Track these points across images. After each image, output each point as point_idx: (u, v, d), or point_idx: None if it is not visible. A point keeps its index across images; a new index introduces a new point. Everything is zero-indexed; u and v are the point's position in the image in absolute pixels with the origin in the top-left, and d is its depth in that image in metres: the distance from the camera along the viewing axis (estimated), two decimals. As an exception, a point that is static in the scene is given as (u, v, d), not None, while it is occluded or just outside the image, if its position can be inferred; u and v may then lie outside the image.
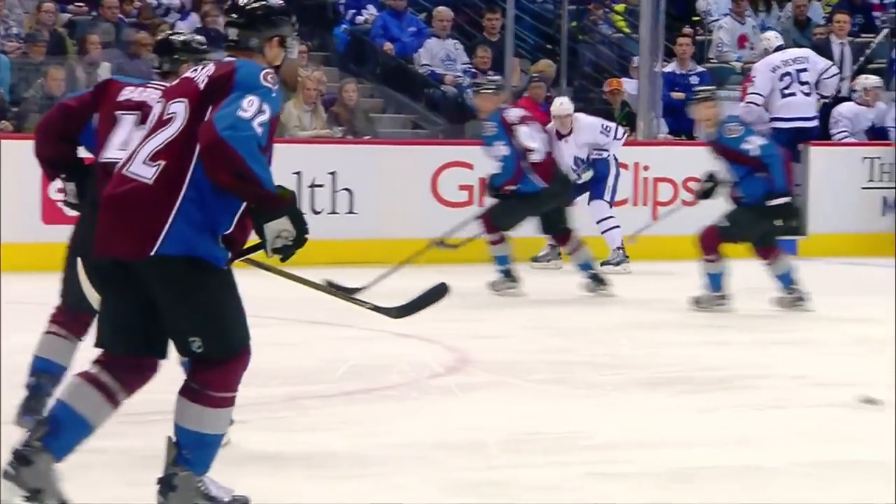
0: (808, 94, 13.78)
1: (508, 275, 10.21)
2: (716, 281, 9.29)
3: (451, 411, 6.29)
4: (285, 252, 4.18)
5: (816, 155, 13.76)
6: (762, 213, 9.21)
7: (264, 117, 4.09)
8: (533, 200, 10.21)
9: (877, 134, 14.26)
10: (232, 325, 4.22)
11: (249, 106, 4.08)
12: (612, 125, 12.12)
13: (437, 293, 4.79)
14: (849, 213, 13.78)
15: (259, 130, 4.08)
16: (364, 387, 6.67)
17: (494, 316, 9.46)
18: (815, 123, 13.90)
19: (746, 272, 9.54)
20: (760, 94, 13.72)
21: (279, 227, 4.13)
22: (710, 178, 9.56)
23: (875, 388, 6.36)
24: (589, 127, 11.92)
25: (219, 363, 4.20)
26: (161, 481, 4.22)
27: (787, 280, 9.32)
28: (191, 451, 4.20)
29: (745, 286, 9.53)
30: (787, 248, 13.54)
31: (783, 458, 5.33)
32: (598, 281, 10.21)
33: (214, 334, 4.19)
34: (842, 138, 14.24)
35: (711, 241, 9.25)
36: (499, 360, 7.57)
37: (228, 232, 4.23)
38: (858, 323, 9.00)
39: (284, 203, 4.16)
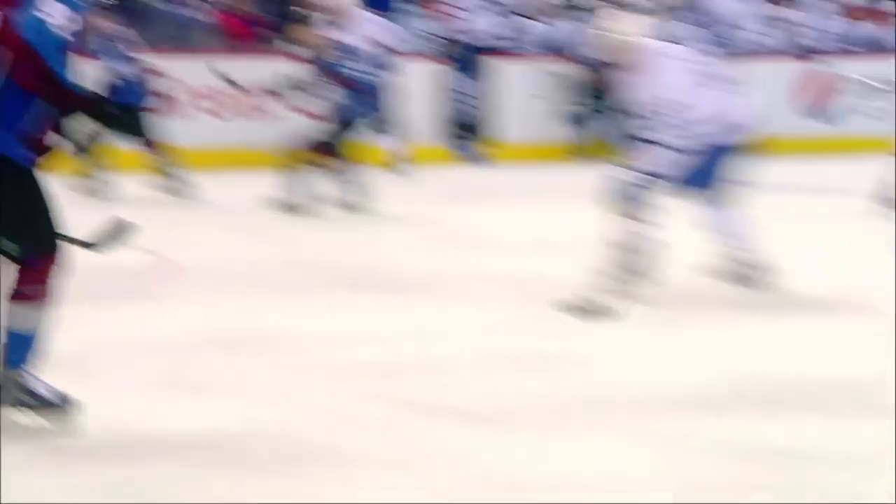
0: (498, 14, 14.37)
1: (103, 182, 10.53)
2: (301, 187, 9.98)
3: (151, 313, 6.48)
4: (88, 149, 4.28)
5: (503, 68, 14.39)
6: (350, 127, 10.04)
7: (63, 20, 4.16)
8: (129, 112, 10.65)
9: (559, 50, 14.88)
10: (40, 225, 4.34)
11: (48, 8, 4.18)
12: (399, 27, 12.25)
13: (122, 228, 4.79)
14: (533, 123, 14.46)
15: (59, 31, 4.17)
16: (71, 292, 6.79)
17: (196, 226, 9.64)
18: (504, 42, 14.49)
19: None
20: (460, 9, 14.26)
21: (82, 125, 4.28)
22: (295, 84, 10.24)
23: (559, 285, 6.81)
24: (370, 21, 11.69)
25: (30, 262, 4.32)
26: None
27: (353, 186, 10.04)
28: (10, 349, 4.35)
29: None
30: (469, 154, 14.29)
31: (461, 350, 5.72)
32: (179, 182, 10.74)
33: (23, 234, 4.31)
34: (525, 52, 14.83)
35: (305, 150, 9.97)
36: (203, 264, 7.83)
37: (35, 134, 4.29)
38: (542, 226, 9.52)
39: (86, 101, 4.29)
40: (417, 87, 13.43)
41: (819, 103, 15.54)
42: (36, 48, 4.16)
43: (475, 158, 14.21)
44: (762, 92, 15.25)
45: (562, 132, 14.56)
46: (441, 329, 6.20)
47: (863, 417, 4.67)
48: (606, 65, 14.15)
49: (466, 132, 14.42)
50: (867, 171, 10.15)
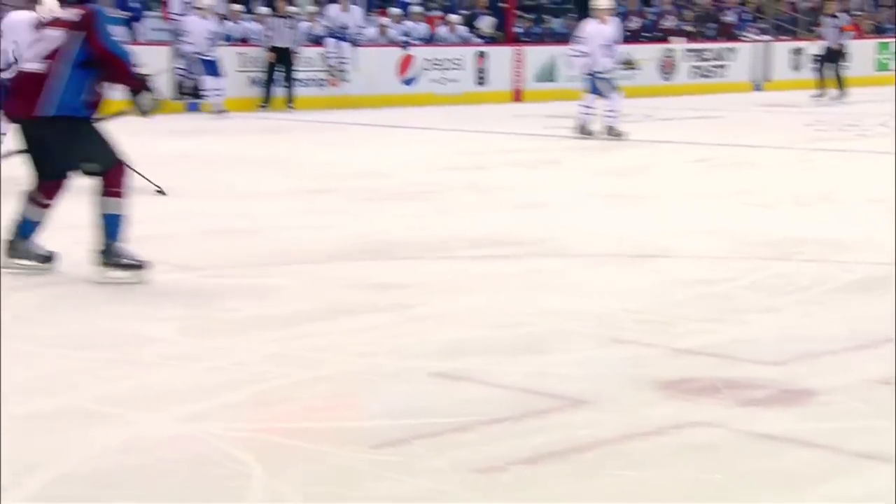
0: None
1: None
2: None
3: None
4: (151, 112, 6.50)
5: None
6: None
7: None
8: None
9: None
10: (108, 149, 6.40)
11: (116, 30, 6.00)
12: None
13: None
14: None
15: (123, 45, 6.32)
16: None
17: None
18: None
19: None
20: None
21: (146, 98, 6.52)
22: None
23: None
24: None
25: (109, 172, 6.36)
26: None
27: None
28: (107, 228, 6.44)
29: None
30: None
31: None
32: None
33: (99, 156, 6.41)
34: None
35: None
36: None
37: (92, 98, 6.41)
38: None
39: (144, 84, 6.51)
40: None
41: None
42: (119, 56, 6.45)
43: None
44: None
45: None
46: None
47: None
48: None
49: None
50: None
